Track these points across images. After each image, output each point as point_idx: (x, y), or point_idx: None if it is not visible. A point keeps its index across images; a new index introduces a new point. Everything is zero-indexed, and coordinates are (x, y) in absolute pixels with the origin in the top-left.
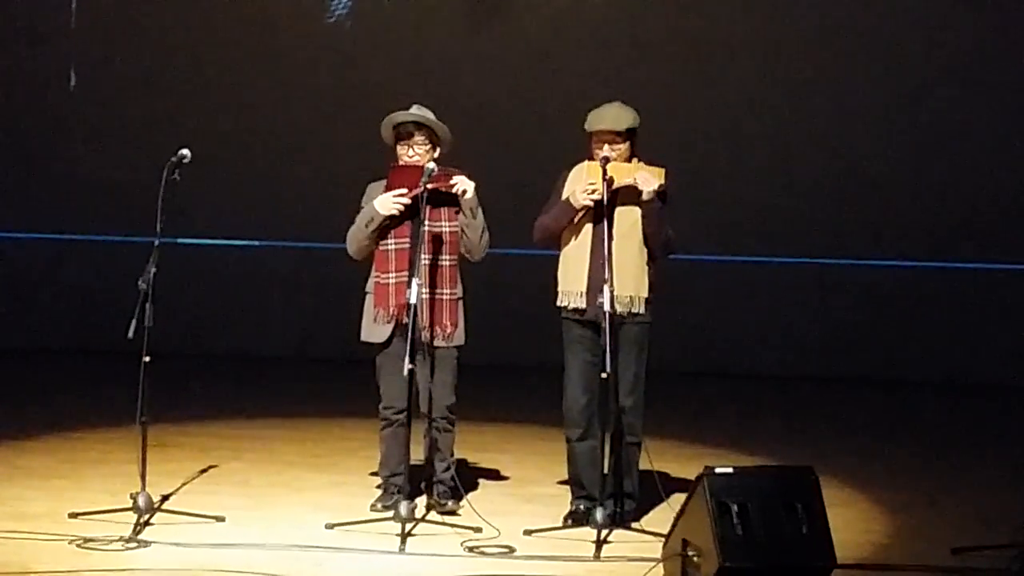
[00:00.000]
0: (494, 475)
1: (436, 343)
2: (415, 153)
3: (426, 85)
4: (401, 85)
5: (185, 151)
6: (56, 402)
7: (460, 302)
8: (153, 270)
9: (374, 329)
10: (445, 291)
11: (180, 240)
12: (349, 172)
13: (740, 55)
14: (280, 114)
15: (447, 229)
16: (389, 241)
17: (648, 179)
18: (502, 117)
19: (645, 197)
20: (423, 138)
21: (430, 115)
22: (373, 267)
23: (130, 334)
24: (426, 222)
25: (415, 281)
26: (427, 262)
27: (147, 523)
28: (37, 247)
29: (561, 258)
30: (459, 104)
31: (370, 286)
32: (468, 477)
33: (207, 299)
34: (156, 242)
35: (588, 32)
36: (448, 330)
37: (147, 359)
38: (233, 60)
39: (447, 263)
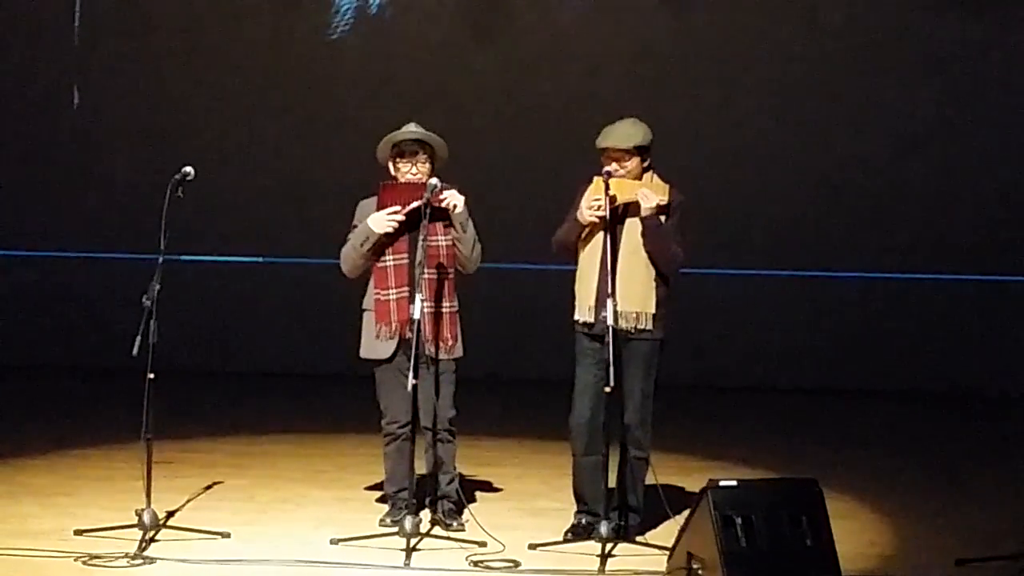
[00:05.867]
0: (498, 489)
1: (440, 356)
2: (419, 171)
3: (429, 100)
4: (404, 101)
5: (188, 168)
6: (61, 419)
7: (458, 315)
8: (157, 287)
9: (376, 345)
10: (445, 305)
11: (184, 257)
12: (352, 188)
13: (745, 69)
14: (284, 130)
15: (443, 243)
16: (387, 258)
17: (648, 195)
18: (503, 132)
19: (643, 213)
20: (426, 156)
21: (430, 134)
22: (371, 284)
23: (135, 351)
24: (427, 238)
25: (419, 296)
26: (429, 276)
27: (152, 539)
28: (43, 265)
29: (577, 272)
30: (458, 119)
31: (368, 303)
32: (472, 491)
33: (211, 316)
34: (160, 259)
35: (593, 45)
36: (450, 343)
37: (151, 376)
38: (236, 78)
39: (446, 277)
